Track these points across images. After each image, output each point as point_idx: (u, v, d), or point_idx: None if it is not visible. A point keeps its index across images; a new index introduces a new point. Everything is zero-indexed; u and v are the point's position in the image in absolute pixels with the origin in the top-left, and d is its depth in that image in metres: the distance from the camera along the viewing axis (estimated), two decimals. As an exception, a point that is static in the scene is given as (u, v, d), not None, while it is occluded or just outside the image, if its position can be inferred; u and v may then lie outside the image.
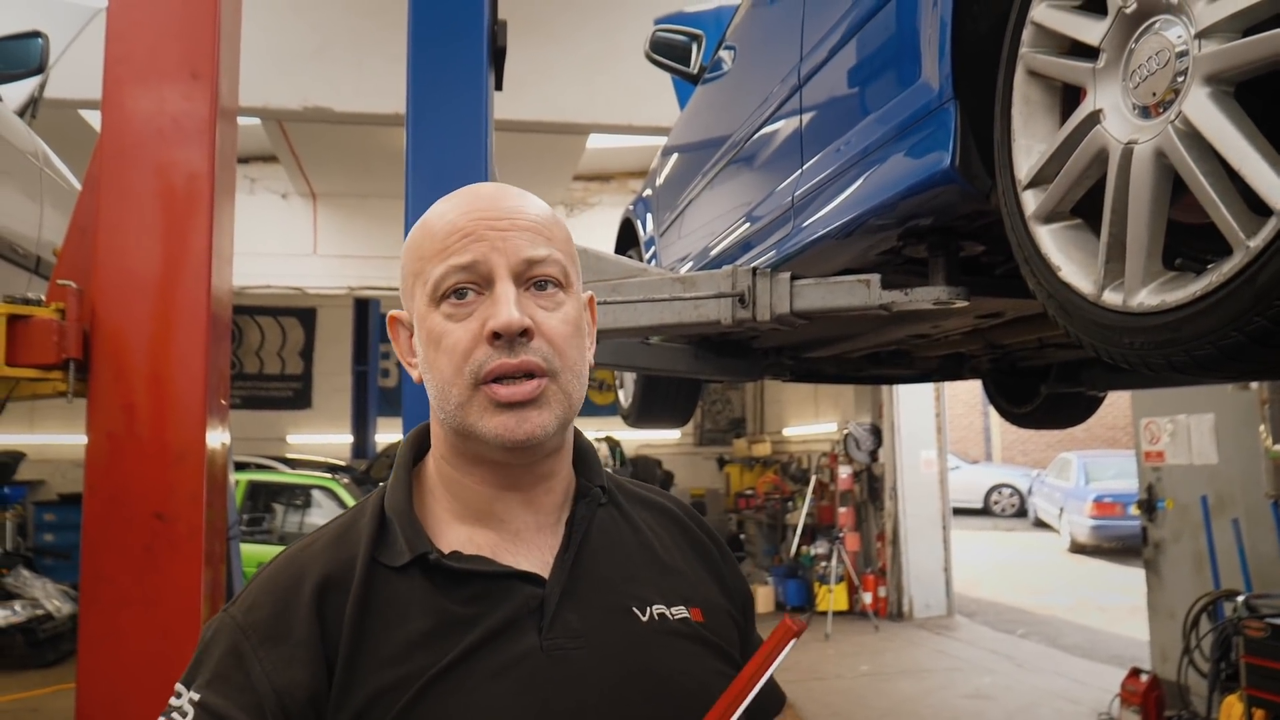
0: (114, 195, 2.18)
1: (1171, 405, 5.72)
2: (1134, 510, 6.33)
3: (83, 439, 2.13)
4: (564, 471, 0.88)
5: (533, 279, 0.81)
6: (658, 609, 0.85)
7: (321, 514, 7.49)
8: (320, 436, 13.28)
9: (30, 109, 3.63)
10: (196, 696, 0.76)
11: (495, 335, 0.78)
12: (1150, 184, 1.01)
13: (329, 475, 8.09)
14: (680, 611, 0.86)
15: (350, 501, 7.31)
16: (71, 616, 7.16)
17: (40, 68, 3.04)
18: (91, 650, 2.05)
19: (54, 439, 11.63)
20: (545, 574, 0.82)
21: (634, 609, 0.84)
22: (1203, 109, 0.94)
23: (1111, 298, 1.08)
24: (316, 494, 7.51)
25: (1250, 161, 0.90)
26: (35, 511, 10.74)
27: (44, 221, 3.30)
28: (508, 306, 0.78)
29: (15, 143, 3.18)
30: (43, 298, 2.19)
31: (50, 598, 7.19)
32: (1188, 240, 1.07)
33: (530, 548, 0.84)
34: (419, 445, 0.90)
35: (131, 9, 2.24)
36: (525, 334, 0.78)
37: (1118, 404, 12.83)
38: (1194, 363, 0.99)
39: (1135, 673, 5.32)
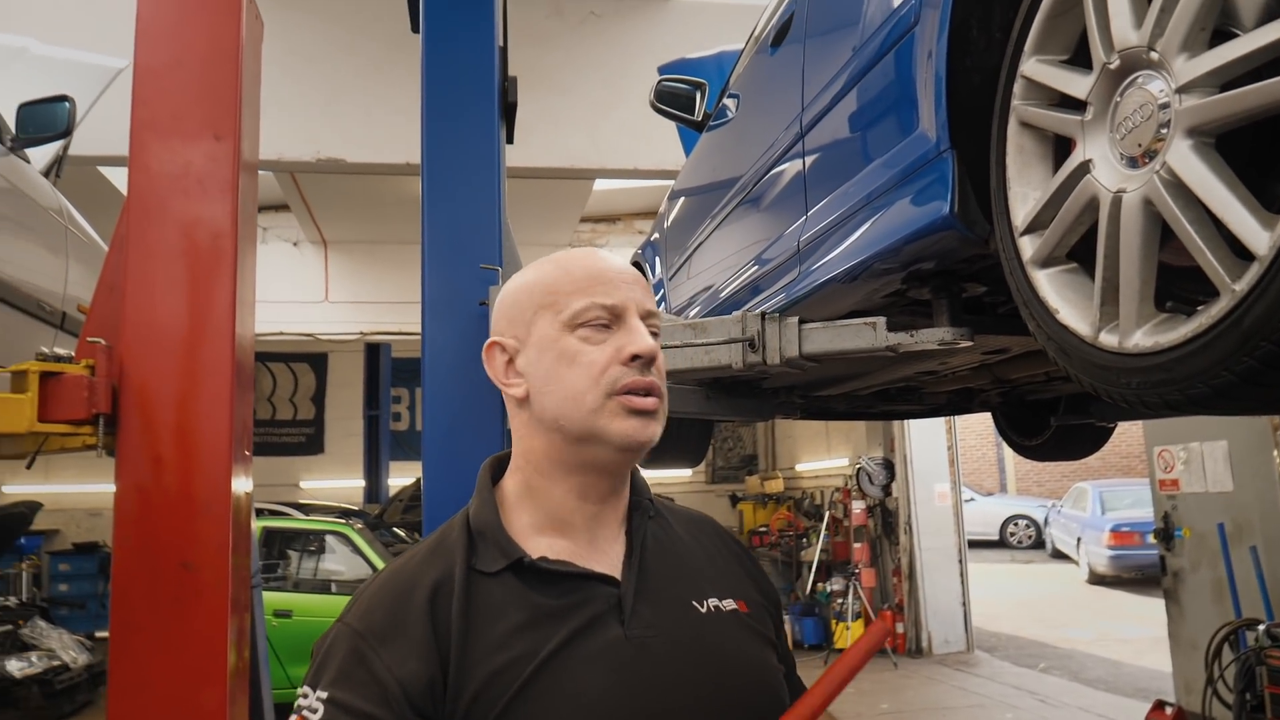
0: (140, 254, 2.25)
1: (1184, 433, 5.71)
2: (1151, 539, 6.29)
3: (98, 488, 2.19)
4: (627, 490, 1.03)
5: (646, 326, 0.99)
6: (711, 602, 1.00)
7: (336, 560, 7.47)
8: (333, 481, 13.31)
9: (55, 168, 3.73)
10: (325, 694, 0.87)
11: (634, 357, 0.95)
12: (1139, 231, 1.05)
13: (342, 520, 8.09)
14: (729, 604, 1.01)
15: (364, 547, 7.31)
16: (87, 667, 7.14)
17: (68, 130, 3.14)
18: (121, 699, 2.08)
19: (68, 488, 11.68)
20: (616, 575, 0.97)
21: (693, 602, 0.99)
22: (1185, 160, 0.99)
23: (1108, 339, 1.12)
24: (330, 539, 7.48)
25: (1232, 209, 0.94)
26: (50, 561, 10.77)
27: (69, 277, 3.39)
28: (645, 337, 0.97)
29: (41, 201, 3.27)
30: (72, 354, 2.25)
31: (66, 649, 7.18)
32: (1178, 282, 1.11)
33: (600, 554, 0.99)
34: (496, 470, 1.05)
35: (156, 75, 2.33)
36: (652, 360, 0.97)
37: (1131, 432, 12.79)
38: (1189, 401, 1.03)
39: (1160, 705, 5.25)
